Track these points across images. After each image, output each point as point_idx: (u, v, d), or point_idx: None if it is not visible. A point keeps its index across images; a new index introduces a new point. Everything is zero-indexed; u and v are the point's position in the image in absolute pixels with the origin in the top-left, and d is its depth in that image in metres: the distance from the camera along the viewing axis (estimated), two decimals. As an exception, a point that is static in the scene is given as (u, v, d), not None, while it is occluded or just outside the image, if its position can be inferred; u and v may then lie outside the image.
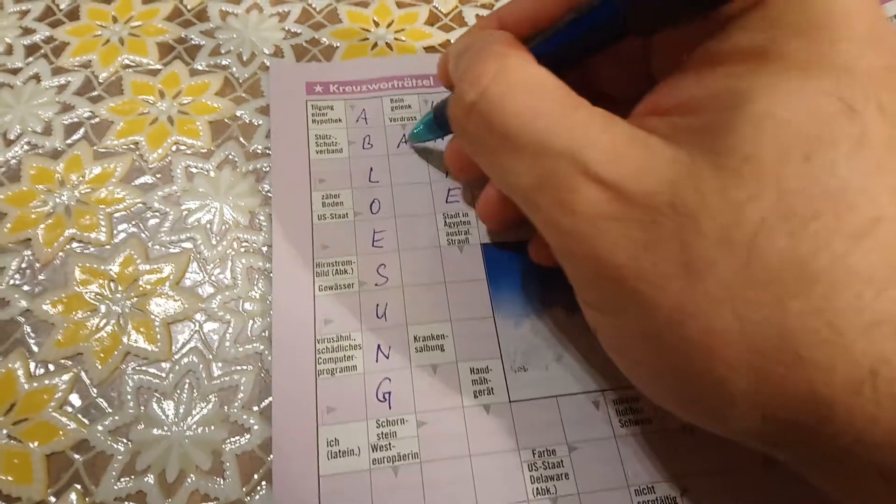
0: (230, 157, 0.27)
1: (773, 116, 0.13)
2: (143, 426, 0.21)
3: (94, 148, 0.27)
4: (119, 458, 0.20)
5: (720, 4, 0.14)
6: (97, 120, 0.27)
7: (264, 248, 0.24)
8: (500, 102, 0.16)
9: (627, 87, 0.20)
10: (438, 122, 0.24)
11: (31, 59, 0.29)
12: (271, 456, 0.20)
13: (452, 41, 0.31)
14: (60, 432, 0.21)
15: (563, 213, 0.15)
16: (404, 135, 0.27)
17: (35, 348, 0.22)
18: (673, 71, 0.16)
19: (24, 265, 0.24)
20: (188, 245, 0.24)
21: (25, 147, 0.26)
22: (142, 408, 0.21)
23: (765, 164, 0.12)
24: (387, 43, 0.31)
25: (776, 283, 0.12)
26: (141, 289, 0.23)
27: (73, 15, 0.31)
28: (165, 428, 0.21)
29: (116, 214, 0.25)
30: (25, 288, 0.23)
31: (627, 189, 0.14)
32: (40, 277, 0.23)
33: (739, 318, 0.12)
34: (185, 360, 0.22)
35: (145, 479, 0.20)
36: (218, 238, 0.25)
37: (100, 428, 0.21)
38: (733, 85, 0.14)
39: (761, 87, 0.13)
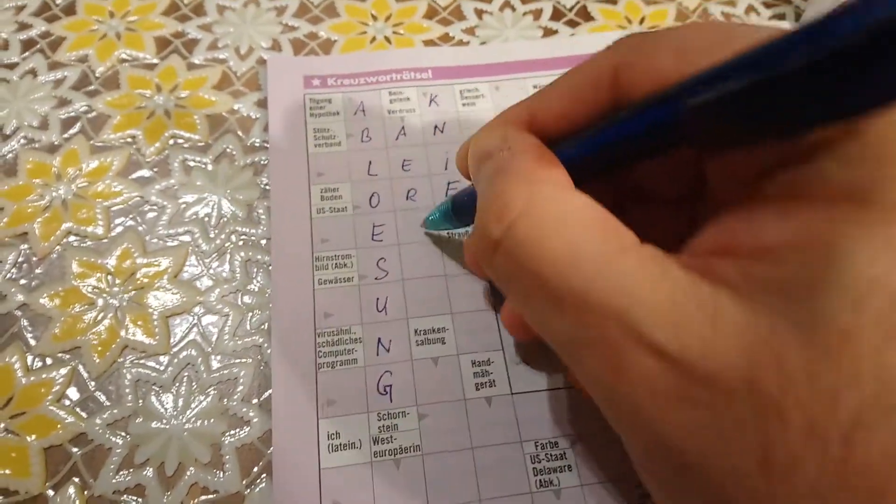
0: (228, 150, 0.26)
1: (877, 282, 0.10)
2: (141, 419, 0.21)
3: (91, 142, 0.26)
4: (118, 451, 0.20)
5: (809, 131, 0.11)
6: (94, 114, 0.27)
7: (263, 242, 0.24)
8: (532, 245, 0.13)
9: (673, 186, 0.18)
10: (456, 212, 0.22)
11: (27, 53, 0.29)
12: (271, 449, 0.20)
13: (450, 34, 0.31)
14: (58, 426, 0.20)
15: (614, 380, 0.12)
16: (421, 224, 0.25)
17: (32, 342, 0.22)
18: (742, 195, 0.13)
19: (20, 259, 0.23)
20: (186, 238, 0.24)
21: (22, 141, 0.26)
22: (140, 401, 0.21)
23: (865, 342, 0.10)
24: (385, 37, 0.31)
25: (877, 488, 0.10)
26: (139, 282, 0.23)
27: (69, 10, 0.31)
28: (164, 421, 0.21)
29: (114, 208, 0.25)
30: (22, 282, 0.23)
31: (692, 365, 0.11)
32: (37, 271, 0.23)
33: None
34: (184, 353, 0.22)
35: (144, 473, 0.20)
36: (216, 231, 0.24)
37: (98, 421, 0.20)
38: (826, 233, 0.11)
39: (862, 240, 0.11)
